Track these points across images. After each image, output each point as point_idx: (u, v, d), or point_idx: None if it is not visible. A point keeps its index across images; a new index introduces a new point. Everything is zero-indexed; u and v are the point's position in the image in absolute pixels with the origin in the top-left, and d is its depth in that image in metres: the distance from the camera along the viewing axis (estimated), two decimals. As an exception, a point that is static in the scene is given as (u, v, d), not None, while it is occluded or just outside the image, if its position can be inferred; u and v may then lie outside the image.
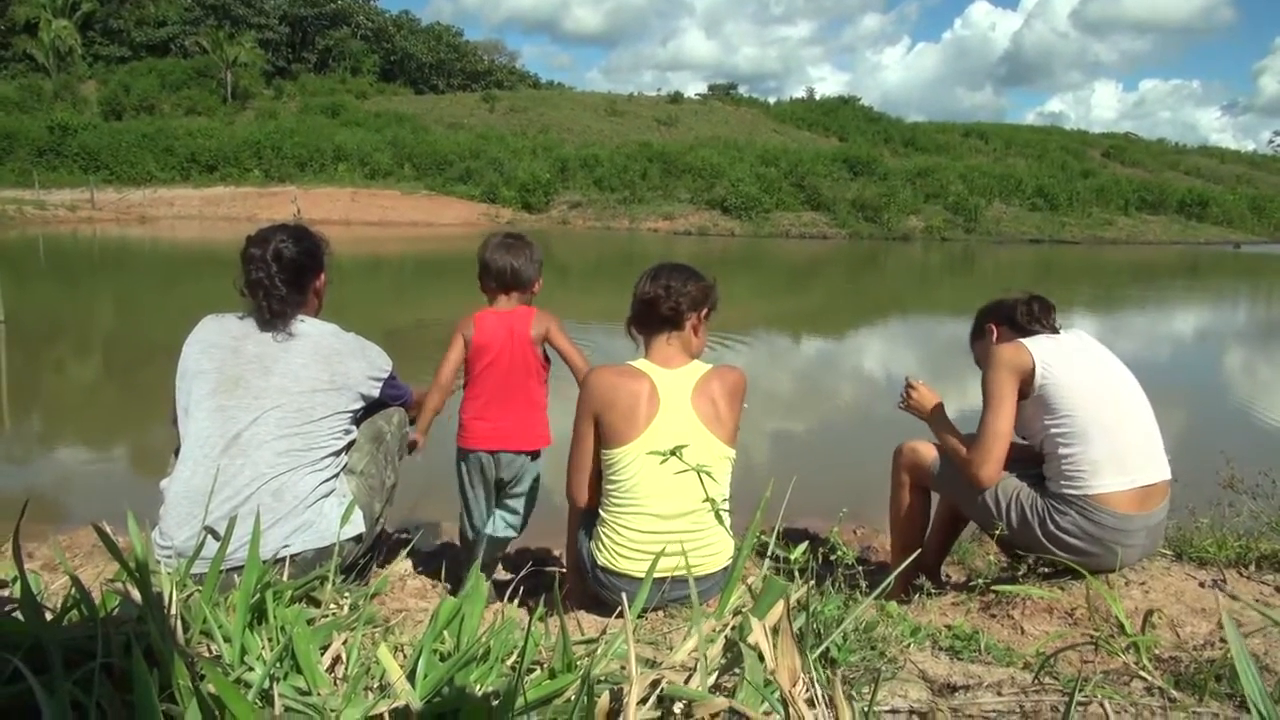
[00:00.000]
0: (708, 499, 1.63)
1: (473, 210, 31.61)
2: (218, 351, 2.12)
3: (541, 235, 27.90)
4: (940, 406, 2.61)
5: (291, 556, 1.90)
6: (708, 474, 1.99)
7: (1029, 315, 2.49)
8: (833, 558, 1.73)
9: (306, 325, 2.18)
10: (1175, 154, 58.00)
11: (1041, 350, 2.34)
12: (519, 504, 2.71)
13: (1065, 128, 62.67)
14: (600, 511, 2.10)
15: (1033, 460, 2.43)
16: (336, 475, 2.12)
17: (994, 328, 2.57)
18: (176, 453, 2.08)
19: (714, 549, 2.05)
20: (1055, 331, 2.46)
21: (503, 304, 2.60)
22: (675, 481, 1.96)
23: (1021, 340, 2.39)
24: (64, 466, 4.86)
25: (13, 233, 19.82)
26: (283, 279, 2.16)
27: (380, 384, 2.23)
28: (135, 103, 40.08)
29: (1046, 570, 2.33)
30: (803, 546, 1.44)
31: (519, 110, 46.65)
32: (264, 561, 1.70)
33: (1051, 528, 2.28)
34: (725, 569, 2.07)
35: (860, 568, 1.93)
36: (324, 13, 55.64)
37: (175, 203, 28.62)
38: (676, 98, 53.62)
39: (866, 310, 14.11)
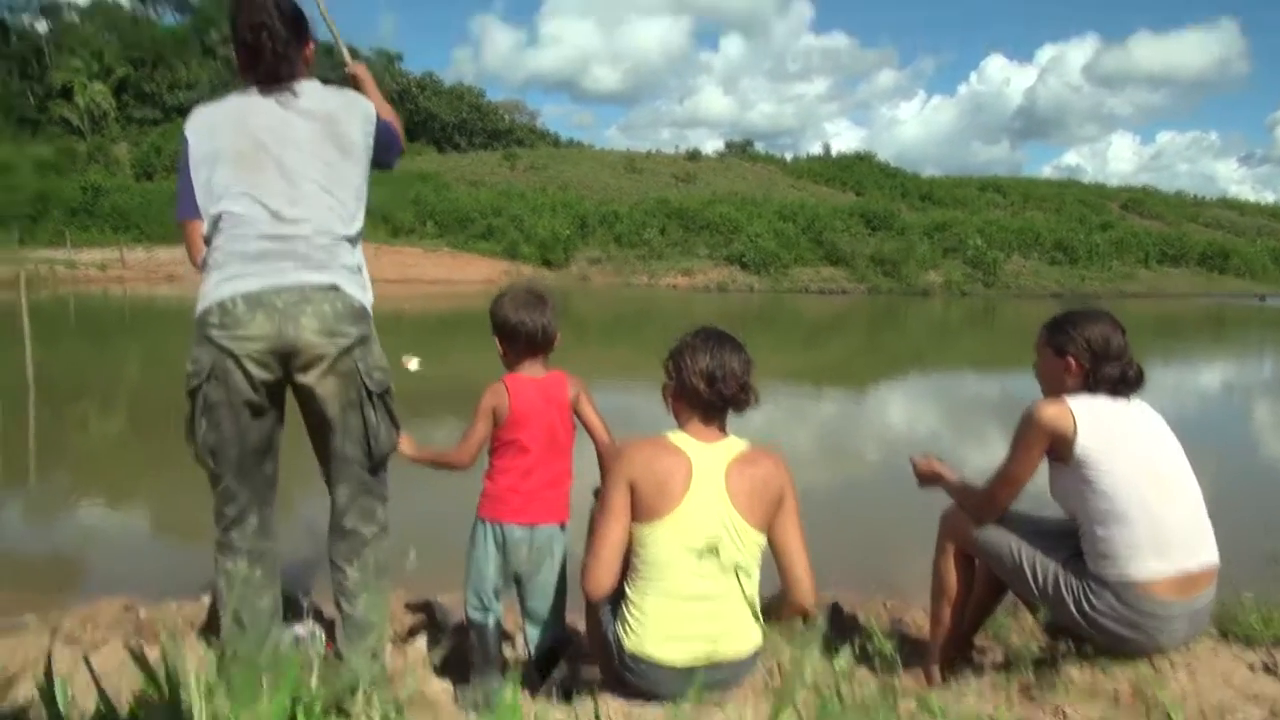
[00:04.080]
0: (738, 582, 1.59)
1: (494, 267, 31.92)
2: (225, 133, 2.14)
3: (561, 291, 28.10)
4: (942, 472, 2.59)
5: (326, 297, 2.10)
6: (739, 567, 1.95)
7: (1121, 381, 2.28)
8: (869, 646, 1.68)
9: (305, 85, 2.21)
10: (1194, 206, 57.93)
11: (1088, 418, 2.20)
12: (547, 599, 2.50)
13: (1082, 181, 62.86)
14: (626, 589, 2.03)
15: (1074, 531, 2.34)
16: (358, 242, 2.25)
17: (1075, 363, 2.32)
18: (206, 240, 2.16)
19: (745, 632, 2.00)
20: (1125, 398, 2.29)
21: (531, 368, 2.46)
22: (705, 563, 1.93)
23: (1069, 401, 2.24)
24: (88, 530, 4.86)
25: (45, 293, 20.18)
26: (284, 24, 2.18)
27: (373, 134, 2.27)
28: (166, 164, 40.96)
29: (1089, 649, 2.26)
30: (845, 658, 1.39)
31: (539, 168, 47.35)
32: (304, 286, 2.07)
33: (1087, 608, 2.18)
34: (756, 653, 2.02)
35: (896, 649, 1.87)
36: (349, 74, 56.85)
37: (202, 261, 29.12)
38: (694, 154, 54.32)
39: (888, 365, 14.05)
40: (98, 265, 26.45)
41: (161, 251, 30.67)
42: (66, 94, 47.52)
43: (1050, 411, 2.23)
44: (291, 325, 2.08)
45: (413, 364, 2.76)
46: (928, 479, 2.63)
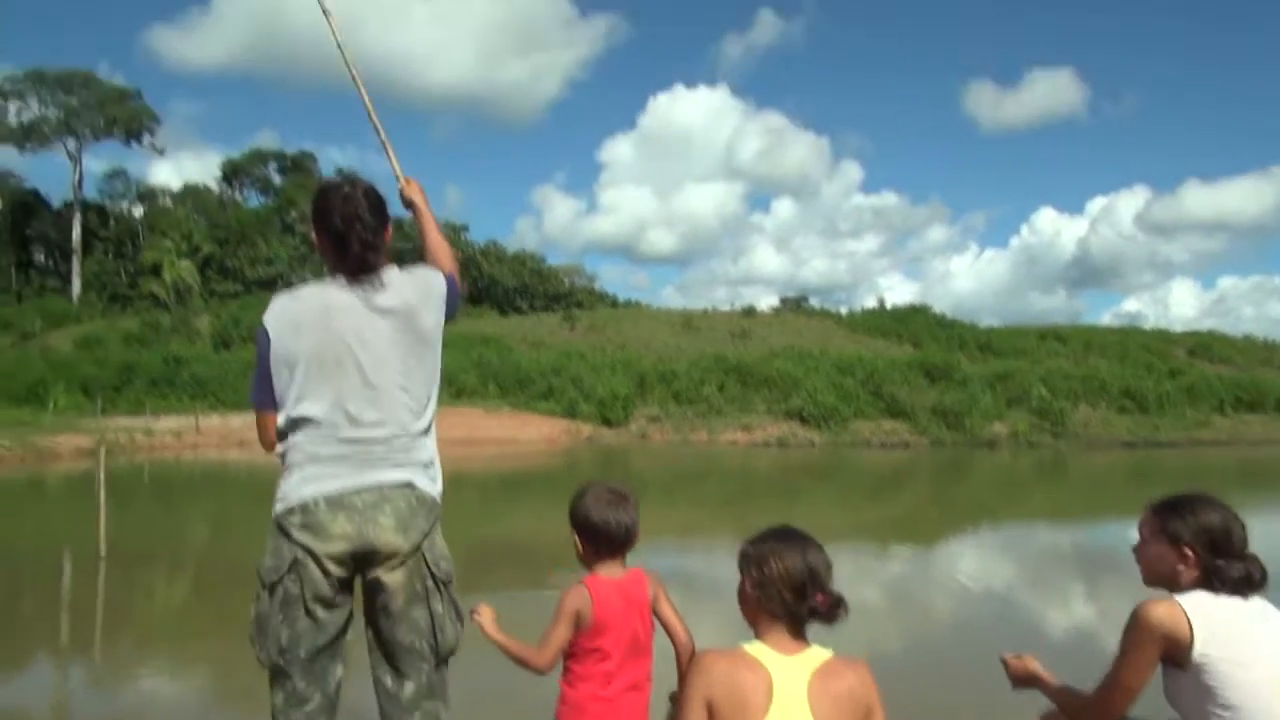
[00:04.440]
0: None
1: (554, 426, 32.23)
2: (308, 333, 2.16)
3: (621, 450, 28.16)
4: (1039, 673, 2.39)
5: (402, 495, 2.19)
6: None
7: (1245, 582, 2.08)
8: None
9: (387, 275, 2.26)
10: (1265, 349, 56.44)
11: (1206, 620, 2.01)
12: None
13: (1144, 327, 61.84)
14: None
15: None
16: (430, 432, 2.34)
17: (1193, 555, 2.13)
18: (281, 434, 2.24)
19: None
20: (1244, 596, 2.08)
21: (611, 569, 2.38)
22: None
23: (1181, 600, 2.05)
24: (149, 705, 4.83)
25: (122, 459, 20.88)
26: (372, 214, 2.24)
27: (445, 309, 2.34)
28: (244, 334, 42.94)
29: None
30: None
31: (598, 328, 48.46)
32: (381, 485, 2.16)
33: None
34: None
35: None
36: (416, 247, 59.93)
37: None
38: (750, 311, 55.17)
39: (956, 519, 13.58)
40: (173, 433, 27.38)
41: (235, 418, 31.71)
42: (156, 271, 50.71)
43: (1161, 612, 2.04)
44: (371, 526, 2.14)
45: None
46: (1023, 681, 2.42)
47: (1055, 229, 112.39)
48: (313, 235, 2.35)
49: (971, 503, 16.41)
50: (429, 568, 2.26)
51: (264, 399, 2.22)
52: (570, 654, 2.34)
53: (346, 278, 2.25)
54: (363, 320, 2.21)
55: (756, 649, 1.91)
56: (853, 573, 8.36)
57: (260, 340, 2.23)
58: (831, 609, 1.94)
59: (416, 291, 2.31)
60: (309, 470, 2.15)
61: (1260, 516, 12.81)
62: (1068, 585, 8.39)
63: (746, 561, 1.98)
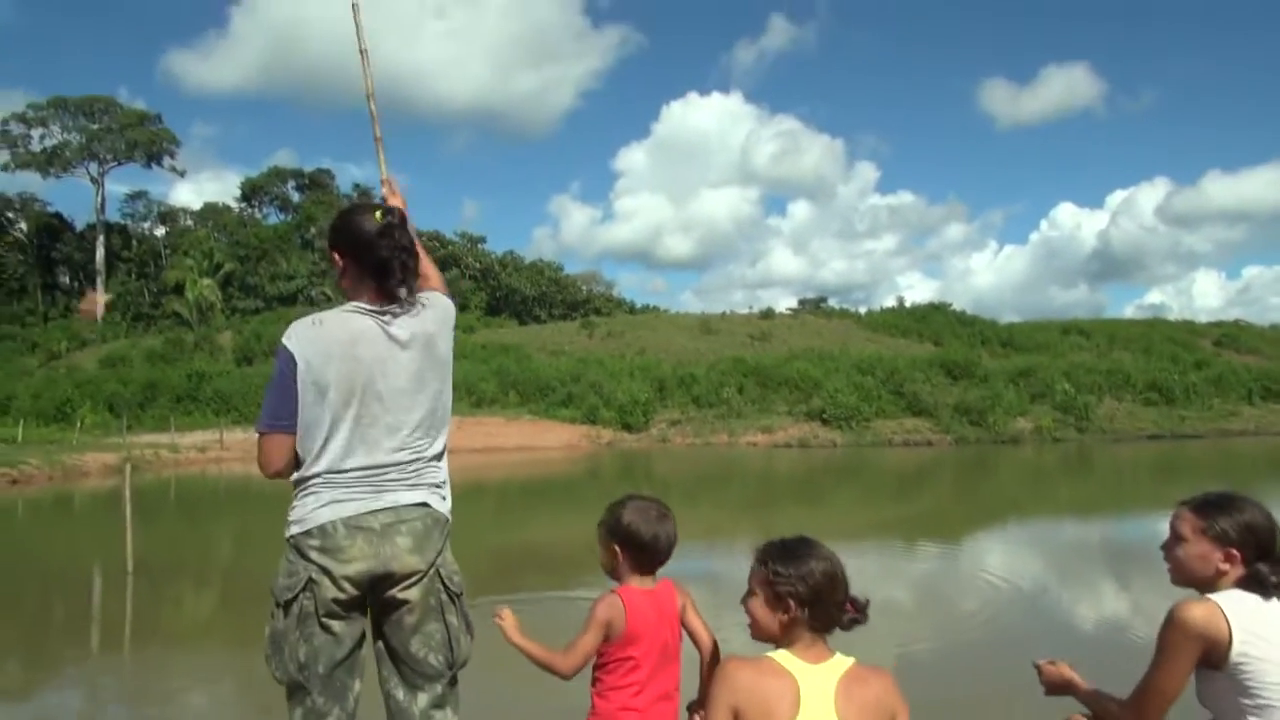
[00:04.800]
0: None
1: (574, 432, 32.28)
2: (335, 364, 2.17)
3: (642, 454, 28.16)
4: (1073, 679, 2.33)
5: (418, 515, 2.22)
6: None
7: (1273, 577, 2.03)
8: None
9: (422, 297, 2.33)
10: (1293, 338, 55.74)
11: (1245, 618, 1.97)
12: None
13: (1169, 318, 61.12)
14: None
15: None
16: (443, 455, 2.35)
17: (1239, 554, 2.07)
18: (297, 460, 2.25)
19: None
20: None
21: (643, 580, 2.39)
22: None
23: (1218, 600, 2.01)
24: (184, 713, 4.86)
25: (149, 475, 21.11)
26: (412, 244, 2.31)
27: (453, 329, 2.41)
28: (265, 349, 43.30)
29: None
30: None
31: (616, 335, 48.50)
32: (398, 507, 2.19)
33: None
34: None
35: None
36: (436, 258, 60.06)
37: (296, 439, 30.15)
38: (768, 313, 55.01)
39: (981, 515, 13.47)
40: (198, 448, 27.64)
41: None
42: (178, 289, 51.26)
43: (1199, 614, 1.99)
44: (389, 547, 2.18)
45: None
46: (1057, 688, 2.37)
47: (1075, 223, 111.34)
48: (335, 257, 2.33)
49: (997, 499, 16.28)
50: (443, 582, 2.28)
51: (283, 420, 2.21)
52: (601, 664, 2.33)
53: (369, 306, 2.26)
54: (385, 350, 2.23)
55: (783, 657, 1.88)
56: (879, 571, 8.30)
57: (283, 361, 2.21)
58: (856, 616, 1.94)
59: (435, 319, 2.33)
60: (325, 495, 2.18)
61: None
62: (1095, 581, 8.30)
63: (766, 575, 1.94)
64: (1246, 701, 1.96)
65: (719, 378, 36.69)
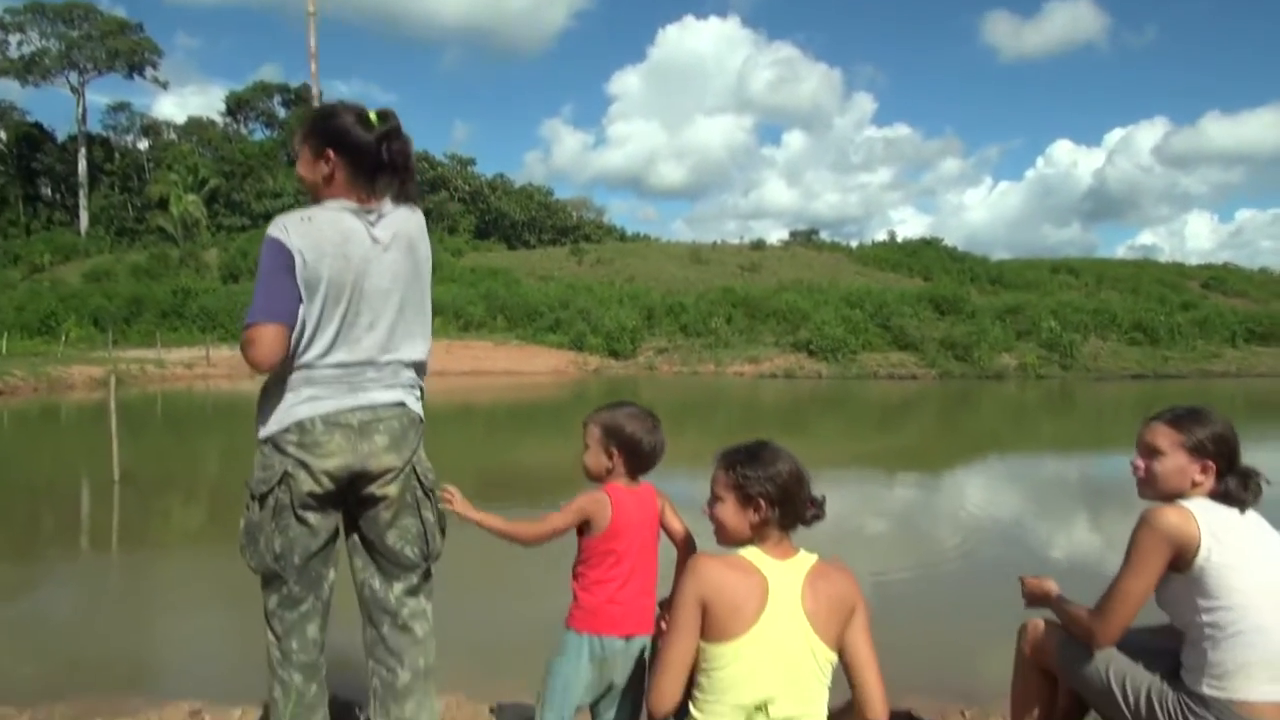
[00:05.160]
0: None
1: (561, 358, 32.35)
2: (328, 261, 2.15)
3: (629, 381, 28.27)
4: (1051, 590, 2.39)
5: (395, 414, 2.24)
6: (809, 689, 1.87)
7: (1246, 491, 2.10)
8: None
9: (389, 205, 2.29)
10: (1281, 283, 55.97)
11: (1213, 524, 2.04)
12: (636, 710, 2.43)
13: (1159, 260, 61.21)
14: (692, 709, 1.93)
15: (1169, 644, 2.17)
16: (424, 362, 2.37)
17: (1214, 466, 2.13)
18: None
19: None
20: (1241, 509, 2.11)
21: (629, 481, 2.45)
22: (778, 678, 1.85)
23: (1190, 507, 2.07)
24: (161, 630, 4.94)
25: (134, 390, 21.08)
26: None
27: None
28: (251, 266, 42.84)
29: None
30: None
31: (606, 262, 48.27)
32: (375, 405, 2.20)
33: None
34: None
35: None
36: (424, 179, 59.63)
37: (282, 358, 30.08)
38: (759, 244, 54.77)
39: (963, 449, 13.66)
40: (184, 364, 27.57)
41: (245, 350, 31.89)
42: (163, 205, 50.54)
43: (1174, 518, 2.05)
44: (366, 443, 2.20)
45: None
46: (1037, 600, 2.42)
47: (1071, 161, 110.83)
48: (329, 154, 2.23)
49: (979, 433, 16.48)
50: (419, 479, 2.33)
51: (279, 309, 2.13)
52: (584, 559, 2.39)
53: (358, 205, 2.23)
54: (370, 250, 2.22)
55: (752, 554, 1.93)
56: (859, 501, 8.43)
57: (275, 252, 2.14)
58: (817, 512, 1.99)
59: (416, 224, 2.33)
60: (304, 391, 2.17)
61: (1264, 448, 12.84)
62: (1072, 514, 8.46)
63: (735, 479, 1.97)
64: (1203, 602, 2.03)
65: (708, 307, 36.68)
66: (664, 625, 2.28)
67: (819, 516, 1.99)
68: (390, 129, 2.25)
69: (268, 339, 2.11)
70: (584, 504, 2.37)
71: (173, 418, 17.78)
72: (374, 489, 2.25)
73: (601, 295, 38.47)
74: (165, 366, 26.44)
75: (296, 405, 2.17)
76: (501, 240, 59.88)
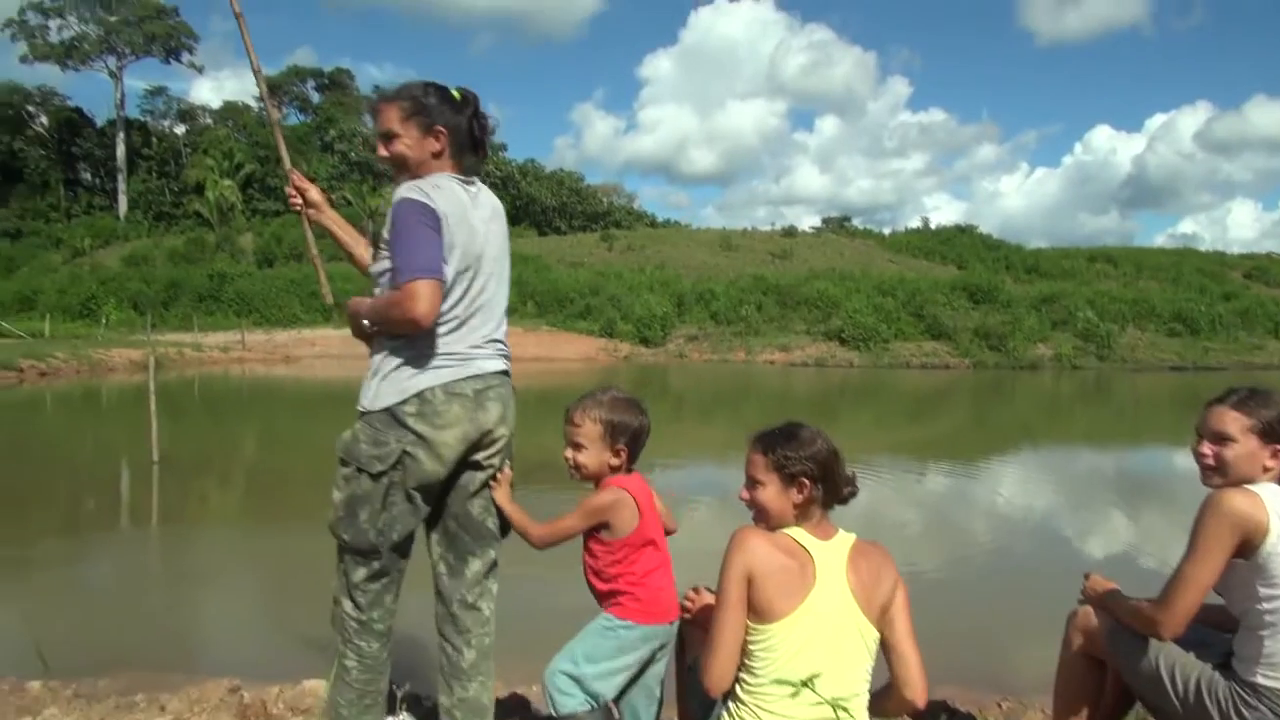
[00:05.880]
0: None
1: (591, 345, 32.39)
2: (462, 227, 2.20)
3: (659, 368, 28.26)
4: (1116, 591, 2.33)
5: (502, 383, 2.32)
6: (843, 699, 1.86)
7: None
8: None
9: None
10: (1327, 273, 54.63)
11: None
12: (660, 689, 2.45)
13: (1200, 249, 59.93)
14: (738, 689, 1.92)
15: (1221, 629, 2.12)
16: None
17: None
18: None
19: None
20: None
21: (625, 473, 2.39)
22: (826, 656, 1.85)
23: (1257, 491, 2.01)
24: (201, 608, 5.02)
25: (173, 374, 21.41)
26: None
27: None
28: (285, 251, 43.41)
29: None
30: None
31: (636, 248, 48.17)
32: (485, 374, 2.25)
33: (1235, 719, 1.96)
34: None
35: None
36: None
37: (317, 343, 30.44)
38: (790, 231, 54.37)
39: (997, 440, 13.50)
40: (221, 348, 27.95)
41: (279, 334, 32.29)
42: (199, 190, 51.11)
43: (1242, 504, 1.99)
44: (481, 412, 2.23)
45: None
46: (1095, 600, 2.36)
47: (1111, 147, 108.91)
48: (420, 132, 2.25)
49: (1013, 424, 16.28)
50: (510, 451, 2.39)
51: (434, 265, 2.10)
52: (621, 557, 2.33)
53: (463, 178, 2.30)
54: (484, 220, 2.28)
55: (796, 533, 1.92)
56: (891, 493, 8.36)
57: (422, 211, 2.12)
58: (853, 488, 1.99)
59: (495, 198, 2.40)
60: (425, 361, 2.19)
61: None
62: (1108, 509, 8.33)
63: (775, 460, 1.94)
64: (1265, 590, 1.99)
65: (738, 294, 36.52)
66: (689, 604, 2.30)
67: (854, 493, 2.00)
68: (476, 105, 2.33)
69: (426, 294, 2.06)
70: (601, 507, 2.31)
71: (209, 401, 18.04)
72: (480, 456, 2.28)
73: (632, 282, 38.43)
74: (202, 350, 26.82)
75: (418, 375, 2.17)
76: (532, 226, 59.90)
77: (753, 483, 1.99)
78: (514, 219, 61.71)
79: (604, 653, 2.31)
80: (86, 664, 3.62)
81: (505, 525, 2.39)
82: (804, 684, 1.69)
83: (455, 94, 2.31)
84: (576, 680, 2.29)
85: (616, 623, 2.32)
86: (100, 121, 59.27)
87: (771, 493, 1.95)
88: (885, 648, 1.93)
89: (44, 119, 56.90)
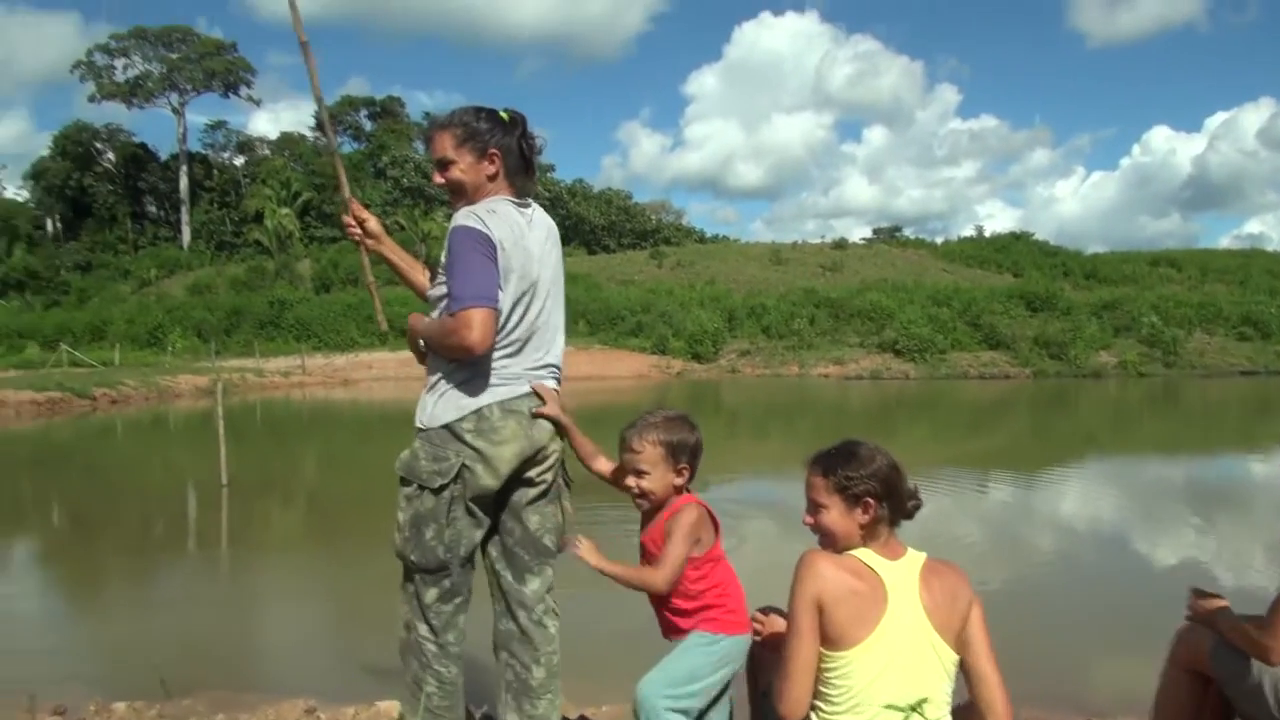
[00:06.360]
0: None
1: (644, 362, 32.43)
2: (517, 253, 2.24)
3: (711, 384, 28.18)
4: (1226, 609, 2.24)
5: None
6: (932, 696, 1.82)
7: None
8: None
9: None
10: (1404, 271, 52.45)
11: None
12: (729, 700, 2.42)
13: (1268, 249, 58.00)
14: (814, 717, 1.87)
15: None
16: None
17: None
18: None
19: None
20: None
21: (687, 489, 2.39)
22: (905, 682, 1.80)
23: None
24: (275, 628, 5.11)
25: (236, 399, 21.94)
26: None
27: None
28: (342, 277, 44.28)
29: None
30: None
31: (686, 264, 48.20)
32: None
33: None
34: None
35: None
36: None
37: (374, 366, 30.97)
38: (841, 243, 53.91)
39: (1064, 450, 13.16)
40: (282, 373, 28.59)
41: (337, 358, 32.91)
42: (258, 218, 52.45)
43: None
44: (535, 429, 2.29)
45: None
46: (1201, 618, 2.28)
47: (1169, 148, 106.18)
48: (474, 156, 2.30)
49: (1076, 435, 15.89)
50: (564, 468, 2.44)
51: (489, 292, 2.14)
52: (704, 574, 2.30)
53: (517, 201, 2.33)
54: (538, 243, 2.32)
55: (864, 554, 1.87)
56: (952, 508, 8.20)
57: (478, 239, 2.15)
58: (917, 502, 1.95)
59: (549, 219, 2.44)
60: (482, 380, 2.24)
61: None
62: (1178, 522, 8.07)
63: (836, 482, 1.90)
64: None
65: (790, 308, 36.30)
66: (759, 626, 2.26)
67: (919, 505, 1.95)
68: (524, 126, 2.36)
69: (481, 321, 2.11)
70: (694, 527, 2.29)
71: (272, 424, 18.44)
72: (533, 473, 2.33)
73: (682, 298, 38.45)
74: (264, 375, 27.47)
75: (476, 393, 2.23)
76: (581, 245, 60.29)
77: (815, 507, 1.94)
78: (564, 239, 61.14)
79: (705, 670, 2.28)
80: (168, 684, 3.70)
81: (560, 545, 2.41)
82: (912, 709, 1.64)
83: (504, 115, 2.35)
84: (677, 701, 2.24)
85: (713, 637, 2.30)
86: (164, 156, 61.38)
87: (835, 515, 1.90)
88: (964, 669, 1.87)
89: (111, 155, 59.04)
